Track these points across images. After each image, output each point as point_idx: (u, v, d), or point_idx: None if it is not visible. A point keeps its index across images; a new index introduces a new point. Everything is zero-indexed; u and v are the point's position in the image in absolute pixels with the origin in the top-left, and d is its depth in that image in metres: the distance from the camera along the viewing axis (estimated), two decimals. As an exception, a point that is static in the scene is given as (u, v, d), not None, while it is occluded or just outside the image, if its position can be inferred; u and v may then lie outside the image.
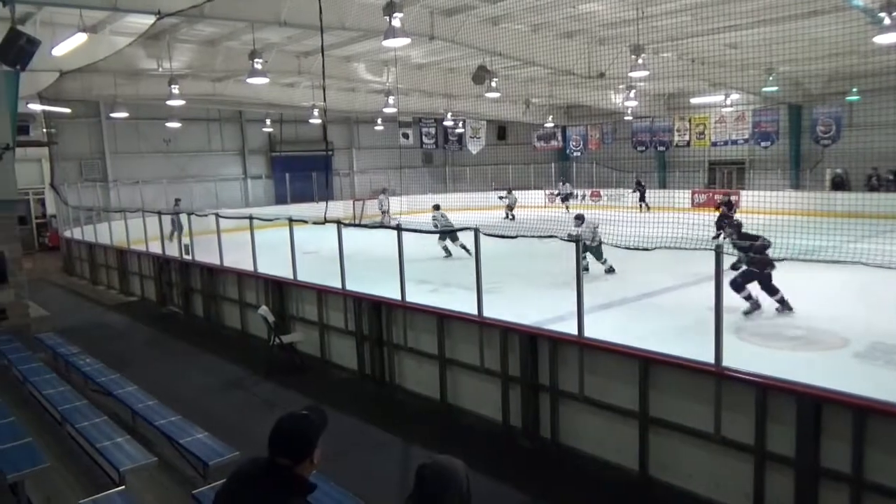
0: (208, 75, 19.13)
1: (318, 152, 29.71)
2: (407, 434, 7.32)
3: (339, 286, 9.41)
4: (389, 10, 10.35)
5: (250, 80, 14.23)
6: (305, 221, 11.29)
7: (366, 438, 7.13)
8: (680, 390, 5.81)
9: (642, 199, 25.66)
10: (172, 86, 15.86)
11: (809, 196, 17.43)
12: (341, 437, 6.66)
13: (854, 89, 21.28)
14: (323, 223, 11.14)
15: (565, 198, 26.95)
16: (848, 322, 8.51)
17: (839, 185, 22.39)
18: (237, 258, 11.95)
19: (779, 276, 9.16)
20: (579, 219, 12.54)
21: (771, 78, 19.32)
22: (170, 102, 16.64)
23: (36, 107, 19.09)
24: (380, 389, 8.75)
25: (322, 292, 9.93)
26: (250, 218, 11.60)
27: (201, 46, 16.48)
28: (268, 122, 28.41)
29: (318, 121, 25.39)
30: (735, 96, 23.83)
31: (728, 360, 5.49)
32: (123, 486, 4.64)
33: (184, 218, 13.96)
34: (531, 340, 6.94)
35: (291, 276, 10.53)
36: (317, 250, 11.89)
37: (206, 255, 12.85)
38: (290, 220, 10.74)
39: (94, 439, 5.40)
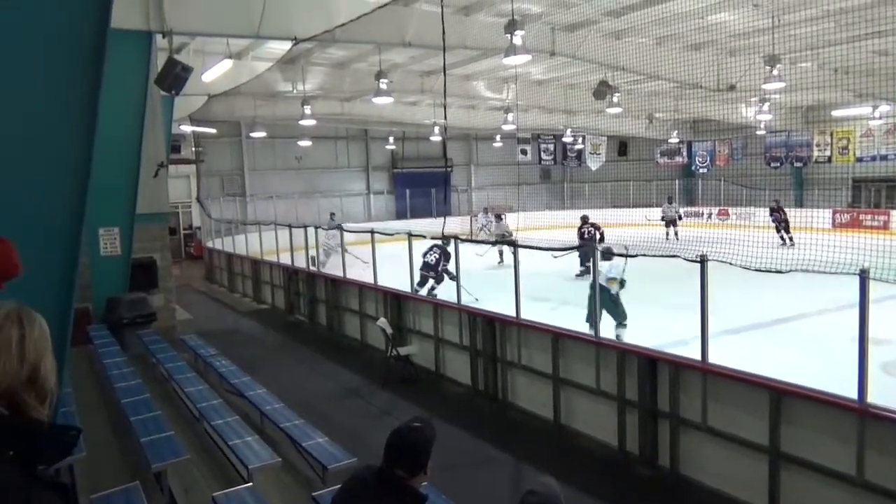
0: (337, 96, 20.21)
1: (438, 169, 30.42)
2: (518, 452, 7.26)
3: (455, 301, 9.53)
4: (511, 27, 10.46)
5: (376, 100, 14.86)
6: (424, 236, 11.57)
7: (476, 453, 7.15)
8: (817, 426, 5.36)
9: (785, 229, 20.06)
10: (305, 106, 16.90)
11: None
12: (452, 451, 6.73)
13: None
14: (441, 239, 11.39)
15: (670, 222, 22.92)
16: None
17: None
18: (360, 271, 12.44)
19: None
20: (607, 256, 9.26)
21: (929, 86, 17.47)
22: (302, 122, 17.74)
23: (186, 128, 21.05)
24: (492, 405, 8.75)
25: (438, 307, 10.11)
26: (372, 232, 12.05)
27: (332, 69, 17.46)
28: (391, 139, 29.51)
29: (439, 138, 26.02)
30: (885, 108, 21.75)
31: (874, 397, 5.00)
32: (251, 483, 4.94)
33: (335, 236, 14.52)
34: (650, 364, 6.68)
35: (409, 290, 10.81)
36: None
37: (331, 267, 13.48)
38: (410, 235, 11.03)
39: (226, 436, 5.80)
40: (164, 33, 10.02)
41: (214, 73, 14.44)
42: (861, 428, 5.01)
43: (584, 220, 16.22)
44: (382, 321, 10.18)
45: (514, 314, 8.43)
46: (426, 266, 12.07)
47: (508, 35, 10.52)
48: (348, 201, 29.39)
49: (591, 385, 7.36)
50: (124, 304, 10.54)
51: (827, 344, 8.35)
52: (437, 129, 24.56)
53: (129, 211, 10.79)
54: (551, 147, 29.15)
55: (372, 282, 11.73)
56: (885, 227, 21.79)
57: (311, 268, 14.07)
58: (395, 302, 11.13)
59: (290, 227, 15.41)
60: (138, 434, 5.57)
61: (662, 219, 23.12)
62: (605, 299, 8.54)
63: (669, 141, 28.25)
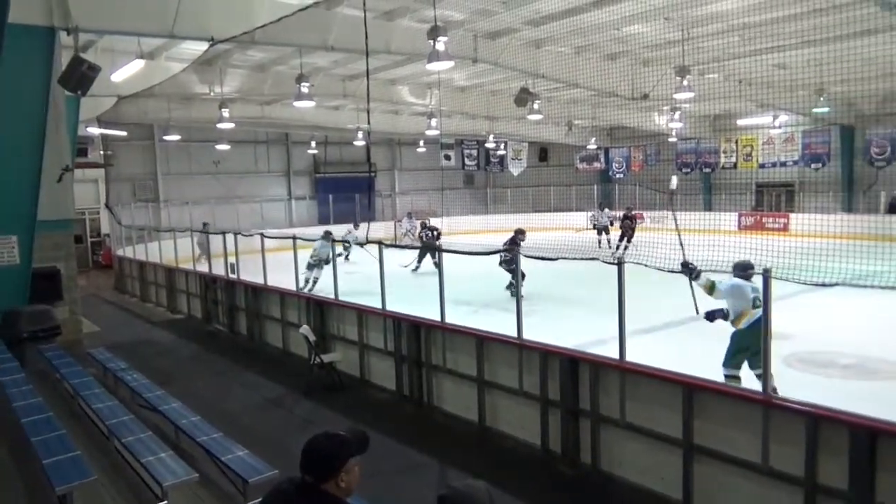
0: (257, 99, 19.72)
1: (362, 173, 30.15)
2: (444, 456, 7.27)
3: (380, 306, 9.47)
4: (434, 33, 10.51)
5: (297, 104, 14.59)
6: (348, 242, 11.45)
7: (402, 459, 7.11)
8: (726, 418, 5.63)
9: (629, 238, 20.47)
10: (223, 109, 16.39)
11: (863, 219, 16.81)
12: (378, 458, 6.61)
13: (911, 109, 20.60)
14: (365, 244, 11.30)
15: (602, 230, 22.12)
16: (905, 351, 8.15)
17: (893, 209, 21.59)
18: (281, 277, 12.16)
19: (831, 303, 8.83)
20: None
21: (822, 99, 18.86)
22: (220, 125, 17.20)
23: (94, 130, 19.99)
24: (418, 410, 8.73)
25: (362, 312, 10.01)
26: (294, 238, 11.81)
27: (251, 71, 17.02)
28: (313, 144, 29.05)
29: (362, 143, 25.85)
30: (784, 117, 23.30)
31: (778, 389, 5.31)
32: (166, 502, 4.72)
33: (216, 240, 14.27)
34: (572, 364, 6.84)
35: (333, 297, 10.66)
36: (358, 270, 12.03)
37: (250, 274, 13.12)
38: (333, 241, 10.88)
39: (139, 454, 5.51)
40: (68, 30, 9.48)
41: (125, 74, 13.79)
42: (766, 418, 5.30)
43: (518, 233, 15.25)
44: (305, 328, 9.98)
45: (438, 318, 8.46)
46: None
47: (431, 41, 10.58)
48: (269, 207, 28.70)
49: (515, 387, 7.47)
50: (24, 318, 9.85)
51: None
52: (360, 134, 24.42)
53: (28, 217, 10.11)
54: (474, 152, 29.57)
55: (294, 288, 11.50)
56: (785, 228, 23.26)
57: (231, 275, 13.64)
58: (318, 309, 10.94)
59: (206, 233, 14.90)
60: (40, 455, 5.21)
61: (594, 227, 22.22)
62: None
63: (588, 147, 29.18)
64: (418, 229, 22.67)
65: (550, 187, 30.71)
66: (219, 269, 14.23)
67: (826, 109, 19.56)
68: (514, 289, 10.82)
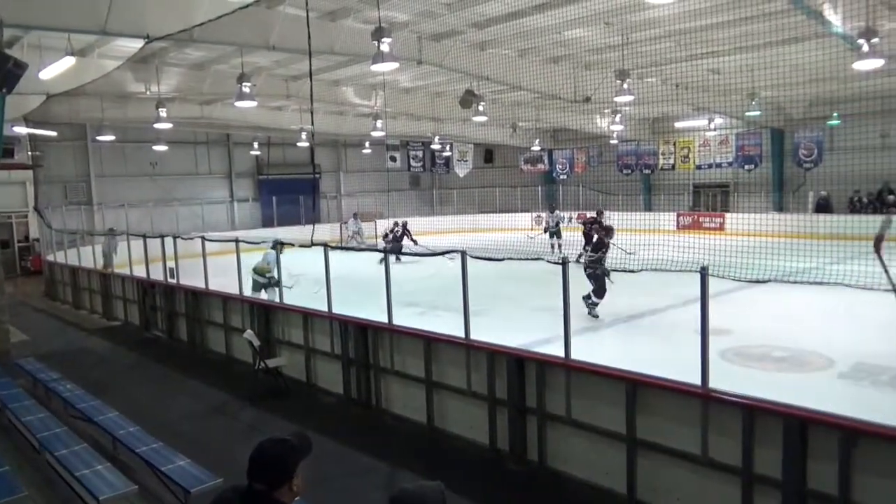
0: (196, 98, 19.18)
1: (306, 175, 29.76)
2: (392, 458, 7.23)
3: (326, 309, 9.36)
4: (378, 35, 10.45)
5: (238, 104, 14.26)
6: (292, 244, 11.27)
7: (350, 463, 7.04)
8: (667, 412, 5.80)
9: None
10: (160, 109, 15.88)
11: (793, 218, 17.60)
12: (325, 463, 6.57)
13: (835, 114, 21.68)
14: (310, 246, 11.13)
15: (554, 233, 21.26)
16: (832, 343, 8.56)
17: (823, 207, 22.67)
18: (223, 282, 11.87)
19: (765, 299, 9.20)
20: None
21: (753, 102, 19.65)
22: (157, 125, 16.66)
23: (21, 130, 19.03)
24: (366, 413, 8.66)
25: (308, 316, 9.87)
26: (236, 241, 11.55)
27: (189, 70, 16.55)
28: (255, 145, 28.48)
29: (306, 144, 25.48)
30: (718, 120, 24.20)
31: (714, 382, 5.49)
32: (102, 516, 4.54)
33: (122, 246, 13.88)
34: (518, 363, 6.91)
35: (277, 300, 10.46)
36: (304, 273, 11.84)
37: (191, 278, 12.76)
38: (276, 244, 10.70)
39: (73, 467, 5.29)
40: (-9, 25, 8.99)
41: (54, 71, 13.17)
42: (704, 411, 5.48)
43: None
44: (249, 333, 9.77)
45: (386, 320, 8.42)
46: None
47: (376, 42, 10.52)
48: (210, 209, 27.97)
49: (463, 387, 7.49)
50: (-55, 327, 9.32)
51: (674, 336, 9.07)
52: (304, 135, 24.06)
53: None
54: (420, 154, 29.58)
55: (237, 293, 11.24)
56: (721, 228, 24.13)
57: (170, 280, 13.23)
58: (262, 313, 10.72)
59: (144, 237, 14.41)
60: (-36, 473, 4.94)
61: (545, 230, 21.33)
62: None
63: (532, 149, 29.59)
64: (365, 230, 22.68)
65: (496, 188, 31.00)
66: (157, 275, 13.78)
67: (758, 113, 20.38)
68: (591, 301, 10.58)
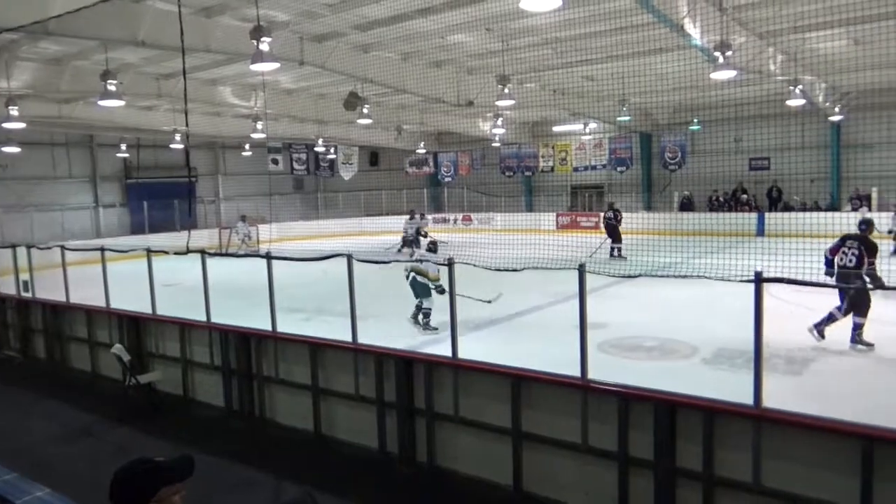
0: (53, 96, 17.64)
1: (181, 179, 28.15)
2: (279, 470, 6.98)
3: (204, 319, 8.90)
4: (257, 34, 10.09)
5: (102, 103, 13.27)
6: (166, 252, 10.62)
7: (233, 478, 6.72)
8: (550, 405, 6.00)
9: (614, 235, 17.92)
10: (10, 107, 14.47)
11: (660, 217, 18.85)
12: (206, 479, 6.17)
13: (695, 120, 23.52)
14: (186, 253, 10.54)
15: (410, 242, 19.29)
16: (696, 332, 9.21)
17: (686, 206, 24.49)
18: (88, 294, 10.98)
19: (637, 292, 9.75)
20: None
21: (624, 108, 20.85)
22: (7, 125, 15.17)
23: None
24: (249, 425, 8.32)
25: (185, 326, 9.34)
26: (102, 249, 10.73)
27: (45, 65, 15.17)
28: (123, 147, 26.58)
29: (181, 146, 24.13)
30: (593, 125, 25.56)
31: (593, 373, 5.74)
32: (-59, 559, 4.02)
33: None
34: (407, 364, 6.90)
35: (150, 311, 9.82)
36: (179, 282, 11.20)
37: (49, 291, 11.71)
38: (149, 251, 10.05)
39: None
40: None
41: None
42: (584, 401, 5.72)
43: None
44: (118, 348, 9.09)
45: (269, 328, 8.13)
46: None
47: (254, 41, 10.15)
48: (72, 216, 25.77)
49: (351, 392, 7.39)
50: None
51: (556, 331, 9.39)
52: (178, 137, 22.80)
53: None
54: (303, 157, 28.91)
55: (104, 305, 10.44)
56: (597, 227, 25.35)
57: (24, 294, 12.07)
58: (132, 325, 10.02)
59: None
60: None
61: (403, 239, 19.60)
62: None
63: (417, 152, 29.79)
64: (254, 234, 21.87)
65: (382, 191, 30.91)
66: (8, 288, 12.53)
67: (628, 118, 21.66)
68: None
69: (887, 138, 20.54)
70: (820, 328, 8.23)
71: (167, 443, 7.68)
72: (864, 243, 8.24)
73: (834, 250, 8.44)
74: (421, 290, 9.75)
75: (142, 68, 16.04)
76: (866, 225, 8.71)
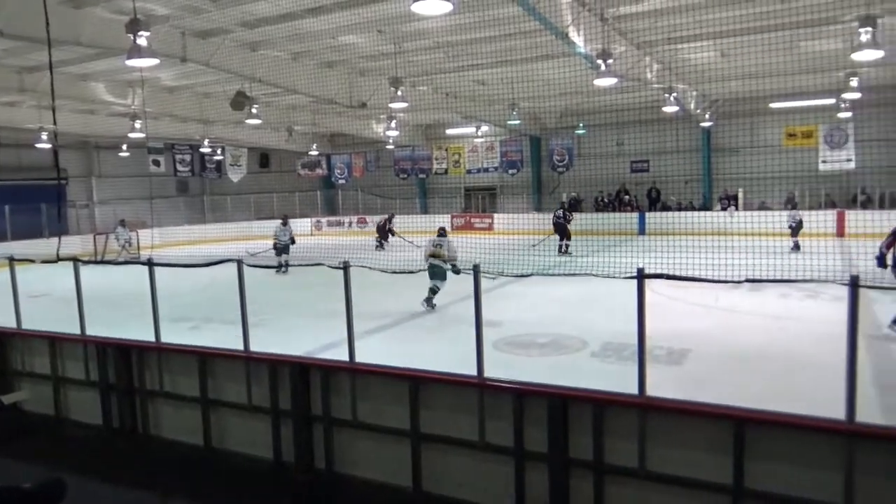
0: None
1: (49, 181, 25.90)
2: (164, 487, 6.61)
3: (78, 332, 8.25)
4: (133, 27, 9.49)
5: (-47, 97, 12.03)
6: (32, 260, 9.77)
7: (115, 499, 6.29)
8: (448, 405, 6.05)
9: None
10: None
11: (549, 217, 19.51)
12: (84, 503, 5.78)
13: (581, 124, 24.60)
14: (56, 261, 9.73)
15: (282, 250, 16.87)
16: (585, 326, 9.61)
17: (574, 206, 25.55)
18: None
19: (529, 291, 10.04)
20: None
21: (514, 112, 21.45)
22: None
23: None
24: (132, 443, 7.81)
25: (56, 340, 8.62)
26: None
27: None
28: (-20, 146, 24.20)
29: (48, 145, 22.27)
30: (485, 128, 26.12)
31: (489, 371, 5.85)
32: None
33: None
34: (302, 371, 6.73)
35: (14, 325, 8.98)
36: (48, 293, 10.33)
37: None
38: (12, 260, 9.21)
39: None
40: None
41: None
42: (480, 399, 5.81)
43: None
44: (-23, 367, 8.27)
45: (152, 339, 7.67)
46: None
47: (131, 35, 9.54)
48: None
49: (244, 401, 7.11)
50: None
51: (453, 331, 9.50)
52: (44, 136, 21.05)
53: None
54: (188, 158, 27.51)
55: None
56: (490, 228, 26.00)
57: None
58: (-6, 341, 9.14)
59: None
60: None
61: (275, 245, 17.06)
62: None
63: (310, 153, 29.20)
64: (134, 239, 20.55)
65: (273, 194, 30.02)
66: None
67: (518, 122, 22.29)
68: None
69: (751, 143, 22.47)
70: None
71: (37, 467, 7.06)
72: None
73: (889, 244, 8.47)
74: (437, 273, 10.57)
75: (2, 60, 14.70)
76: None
